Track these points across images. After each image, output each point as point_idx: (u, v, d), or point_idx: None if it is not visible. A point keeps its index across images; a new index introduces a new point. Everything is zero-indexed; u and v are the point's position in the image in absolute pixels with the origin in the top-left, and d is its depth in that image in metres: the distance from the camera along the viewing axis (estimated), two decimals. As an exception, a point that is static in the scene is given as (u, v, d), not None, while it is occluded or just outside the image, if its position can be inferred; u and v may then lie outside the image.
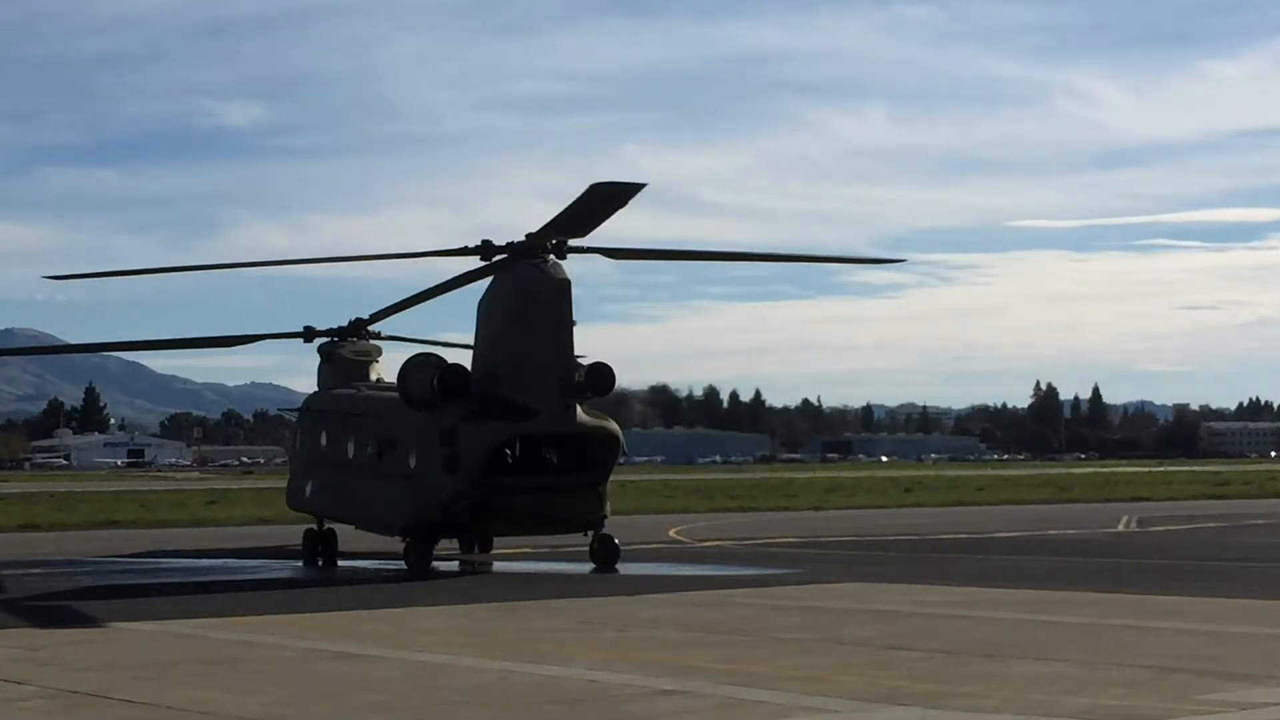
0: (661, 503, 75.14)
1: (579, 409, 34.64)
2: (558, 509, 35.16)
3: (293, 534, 43.22)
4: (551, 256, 34.62)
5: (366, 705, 15.73)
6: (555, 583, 32.24)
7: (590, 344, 36.72)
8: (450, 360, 35.93)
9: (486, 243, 35.46)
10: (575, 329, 34.60)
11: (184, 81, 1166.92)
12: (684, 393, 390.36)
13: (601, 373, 35.67)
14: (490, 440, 34.38)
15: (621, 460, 37.13)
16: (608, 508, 35.67)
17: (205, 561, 40.31)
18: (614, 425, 35.71)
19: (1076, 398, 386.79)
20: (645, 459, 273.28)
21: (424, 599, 27.87)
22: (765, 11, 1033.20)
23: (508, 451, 34.95)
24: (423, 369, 35.29)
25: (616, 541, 35.59)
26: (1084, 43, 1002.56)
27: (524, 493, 34.97)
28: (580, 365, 35.30)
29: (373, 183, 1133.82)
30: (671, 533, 49.81)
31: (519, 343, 34.30)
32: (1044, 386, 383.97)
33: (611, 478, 36.45)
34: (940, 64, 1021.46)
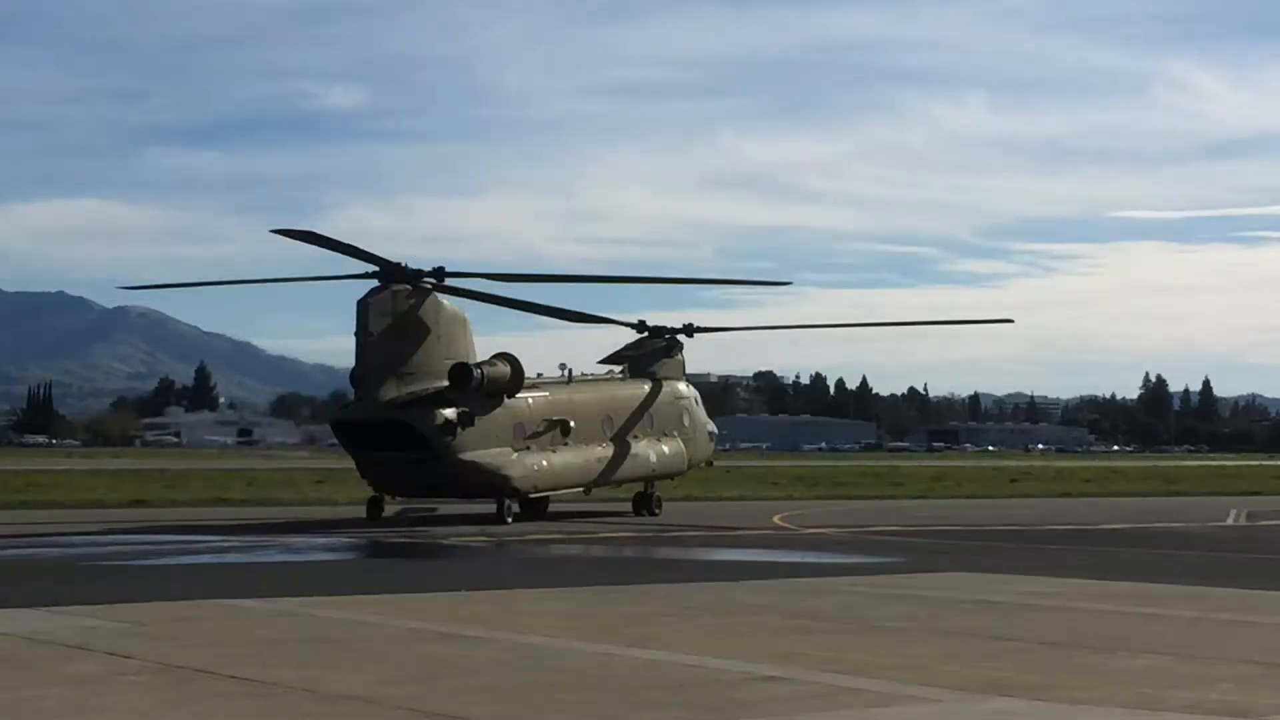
0: (766, 489, 75.09)
1: (390, 401, 44.09)
2: (401, 476, 45.11)
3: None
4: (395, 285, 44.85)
5: (469, 686, 15.77)
6: (658, 568, 32.25)
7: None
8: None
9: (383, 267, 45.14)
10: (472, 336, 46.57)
11: (287, 65, 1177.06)
12: (789, 380, 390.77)
13: (455, 373, 44.65)
14: (336, 423, 47.50)
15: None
16: (494, 477, 44.99)
17: (310, 539, 40.63)
18: (410, 414, 43.96)
19: (1186, 390, 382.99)
20: (750, 445, 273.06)
21: (527, 582, 27.97)
22: (863, 0, 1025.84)
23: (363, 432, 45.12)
24: None
25: (508, 505, 45.35)
26: (1184, 33, 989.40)
27: (370, 463, 45.44)
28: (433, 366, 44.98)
29: (473, 166, 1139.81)
30: (776, 519, 49.75)
31: None
32: (1153, 378, 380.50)
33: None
34: (1040, 53, 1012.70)
